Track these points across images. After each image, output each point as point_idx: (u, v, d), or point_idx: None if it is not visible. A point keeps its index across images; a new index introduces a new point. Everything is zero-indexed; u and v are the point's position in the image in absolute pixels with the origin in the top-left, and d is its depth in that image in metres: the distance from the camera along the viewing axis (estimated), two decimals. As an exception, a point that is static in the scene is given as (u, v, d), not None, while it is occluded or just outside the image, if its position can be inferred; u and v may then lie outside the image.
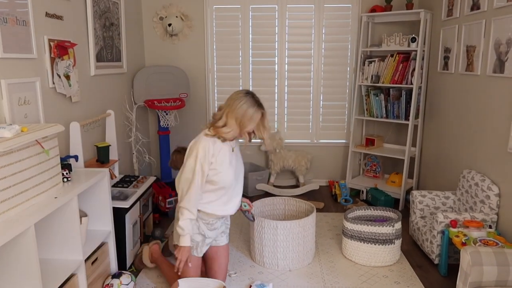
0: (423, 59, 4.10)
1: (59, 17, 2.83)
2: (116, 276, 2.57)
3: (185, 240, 2.36)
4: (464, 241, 2.62)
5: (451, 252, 2.92)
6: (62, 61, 2.79)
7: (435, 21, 4.03)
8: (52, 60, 2.70)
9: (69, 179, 2.32)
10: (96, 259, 2.48)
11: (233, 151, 2.48)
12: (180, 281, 2.35)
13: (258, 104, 2.37)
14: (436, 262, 2.99)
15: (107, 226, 2.64)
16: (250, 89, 4.74)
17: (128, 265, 2.90)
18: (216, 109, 2.36)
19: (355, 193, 4.52)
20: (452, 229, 2.78)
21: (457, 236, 2.69)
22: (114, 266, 2.71)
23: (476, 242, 2.58)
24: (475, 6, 3.20)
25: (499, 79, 2.88)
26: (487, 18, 3.03)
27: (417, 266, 3.03)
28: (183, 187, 2.36)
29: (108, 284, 2.53)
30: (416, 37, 4.00)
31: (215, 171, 2.37)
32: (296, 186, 4.84)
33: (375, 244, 2.98)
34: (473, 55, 3.23)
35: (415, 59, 4.03)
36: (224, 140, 2.39)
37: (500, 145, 2.84)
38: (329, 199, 4.48)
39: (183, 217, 2.34)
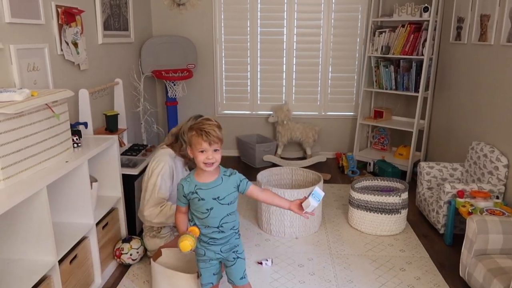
0: (435, 29, 4.01)
1: (66, -17, 2.80)
2: (127, 240, 2.63)
3: None
4: (470, 211, 2.63)
5: (457, 223, 2.94)
6: (70, 28, 2.77)
7: (449, -11, 3.92)
8: (60, 26, 2.69)
9: (79, 144, 2.34)
10: (107, 223, 2.54)
11: (186, 170, 2.58)
12: (163, 250, 2.37)
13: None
14: (441, 232, 3.01)
15: (117, 192, 2.69)
16: (258, 60, 4.72)
17: (137, 231, 2.96)
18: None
19: (362, 165, 4.53)
20: (459, 199, 2.79)
21: (464, 206, 2.70)
22: (124, 231, 2.78)
23: (482, 212, 2.59)
24: (491, -27, 3.10)
25: (513, 48, 2.82)
26: (503, -15, 2.94)
27: (423, 236, 3.06)
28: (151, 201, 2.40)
29: (118, 248, 2.60)
30: (429, 7, 3.90)
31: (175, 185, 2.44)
32: (303, 158, 4.85)
33: (381, 214, 3.00)
34: (487, 24, 3.15)
35: (427, 29, 3.94)
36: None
37: (511, 116, 2.81)
38: (336, 171, 4.50)
39: (166, 207, 2.39)
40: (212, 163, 1.74)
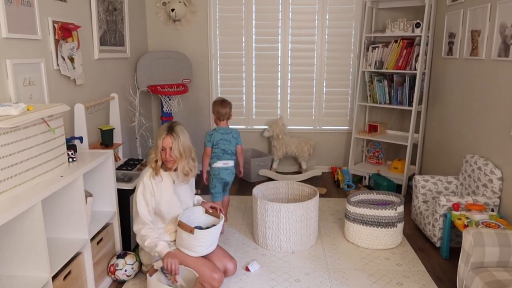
0: (427, 44, 4.08)
1: (63, -1, 2.83)
2: (121, 256, 2.60)
3: (162, 247, 2.37)
4: (466, 224, 2.64)
5: (453, 236, 2.94)
6: (66, 43, 2.79)
7: (440, 6, 4.00)
8: (57, 42, 2.70)
9: (74, 159, 2.33)
10: (102, 239, 2.51)
11: (174, 183, 2.57)
12: (155, 263, 2.40)
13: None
14: (438, 245, 3.01)
15: (112, 207, 2.67)
16: (253, 75, 4.76)
17: (132, 246, 2.92)
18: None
19: (358, 179, 4.54)
20: (454, 212, 2.79)
21: (459, 219, 2.71)
22: (119, 247, 2.75)
23: (478, 225, 2.60)
24: (480, -10, 3.18)
25: (504, 63, 2.87)
26: (492, 2, 3.00)
27: (419, 249, 3.05)
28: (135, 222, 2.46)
29: (113, 264, 2.56)
30: (421, 23, 3.98)
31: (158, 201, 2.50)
32: (299, 172, 4.86)
33: (377, 227, 3.00)
34: (478, 39, 3.21)
35: (419, 44, 4.01)
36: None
37: (504, 129, 2.84)
38: (331, 185, 4.50)
39: (145, 238, 2.40)
40: None
